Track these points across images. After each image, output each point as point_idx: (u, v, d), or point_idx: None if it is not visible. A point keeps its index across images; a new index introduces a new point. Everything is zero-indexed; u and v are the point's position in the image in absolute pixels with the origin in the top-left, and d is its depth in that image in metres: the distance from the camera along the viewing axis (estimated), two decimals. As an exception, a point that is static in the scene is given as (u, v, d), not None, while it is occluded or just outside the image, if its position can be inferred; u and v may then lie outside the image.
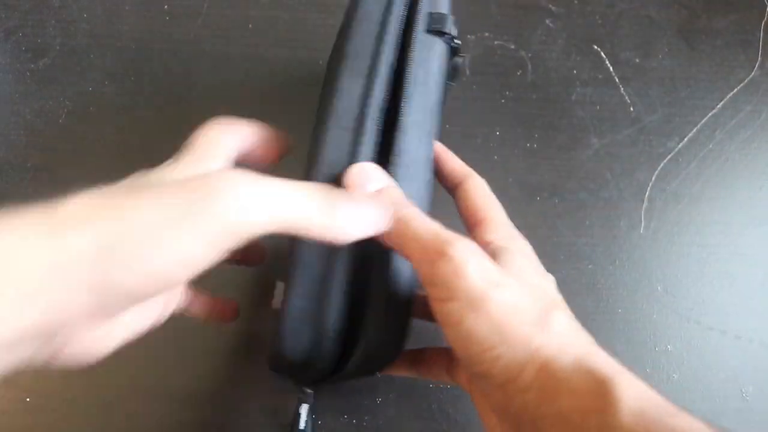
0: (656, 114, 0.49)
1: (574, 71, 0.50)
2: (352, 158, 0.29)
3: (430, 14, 0.34)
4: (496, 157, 0.47)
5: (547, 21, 0.52)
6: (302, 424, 0.35)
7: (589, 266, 0.43)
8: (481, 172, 0.46)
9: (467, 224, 0.32)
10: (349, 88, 0.31)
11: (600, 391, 0.23)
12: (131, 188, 0.23)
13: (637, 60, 0.51)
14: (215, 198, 0.21)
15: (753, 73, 0.50)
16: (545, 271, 0.30)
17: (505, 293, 0.25)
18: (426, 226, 0.26)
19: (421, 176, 0.32)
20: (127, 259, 0.20)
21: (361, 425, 0.39)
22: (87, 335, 0.24)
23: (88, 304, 0.21)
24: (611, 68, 0.50)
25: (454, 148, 0.47)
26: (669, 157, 0.47)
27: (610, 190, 0.46)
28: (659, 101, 0.49)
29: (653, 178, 0.47)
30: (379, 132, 0.31)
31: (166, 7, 0.51)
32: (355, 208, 0.25)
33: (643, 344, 0.42)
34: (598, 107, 0.49)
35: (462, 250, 0.25)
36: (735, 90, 0.50)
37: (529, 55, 0.51)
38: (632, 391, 0.23)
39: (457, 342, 0.26)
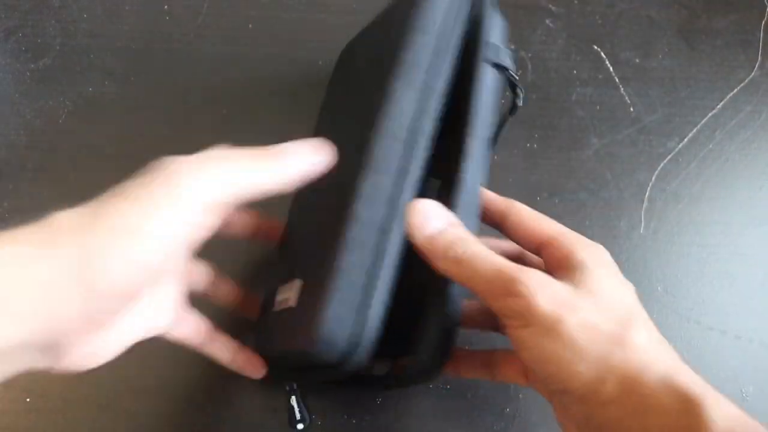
0: (656, 114, 0.49)
1: (574, 71, 0.50)
2: (402, 174, 0.28)
3: (489, 43, 0.33)
4: (496, 157, 0.47)
5: (547, 21, 0.52)
6: (298, 415, 0.37)
7: (589, 266, 0.43)
8: (481, 172, 0.46)
9: (531, 249, 0.31)
10: (404, 97, 0.29)
11: (689, 409, 0.23)
12: (101, 200, 0.24)
13: (637, 60, 0.51)
14: (173, 183, 0.24)
15: (753, 73, 0.50)
16: (624, 280, 0.29)
17: (579, 314, 0.25)
18: (490, 265, 0.27)
19: (476, 208, 0.31)
20: (108, 254, 0.22)
21: (361, 425, 0.39)
22: (85, 344, 0.24)
23: (81, 311, 0.22)
24: (611, 68, 0.50)
25: (454, 148, 0.47)
26: (669, 157, 0.47)
27: (610, 190, 0.46)
28: (659, 101, 0.49)
29: (653, 178, 0.47)
30: (428, 149, 0.29)
31: (166, 7, 0.51)
32: (293, 157, 0.27)
33: (643, 344, 0.42)
34: (598, 107, 0.49)
35: (529, 284, 0.26)
36: (735, 90, 0.50)
37: (529, 55, 0.51)
38: (722, 411, 0.23)
39: (534, 363, 0.26)
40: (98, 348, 0.26)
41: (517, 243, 0.32)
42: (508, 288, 0.26)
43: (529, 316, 0.25)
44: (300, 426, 0.38)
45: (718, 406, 0.23)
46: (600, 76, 0.50)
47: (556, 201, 0.46)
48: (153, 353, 0.40)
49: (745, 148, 0.48)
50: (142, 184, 0.24)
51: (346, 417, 0.39)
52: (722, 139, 0.48)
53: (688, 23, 0.52)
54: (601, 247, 0.30)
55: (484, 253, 0.27)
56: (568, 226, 0.45)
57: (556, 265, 0.29)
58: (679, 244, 0.45)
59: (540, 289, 0.26)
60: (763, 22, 0.52)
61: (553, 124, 0.48)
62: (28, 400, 0.39)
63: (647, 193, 0.46)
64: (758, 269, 0.44)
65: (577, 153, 0.47)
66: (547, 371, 0.26)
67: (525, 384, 0.33)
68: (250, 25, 0.50)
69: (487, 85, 0.32)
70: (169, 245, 0.24)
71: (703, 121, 0.49)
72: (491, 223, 0.33)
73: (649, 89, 0.50)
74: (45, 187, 0.45)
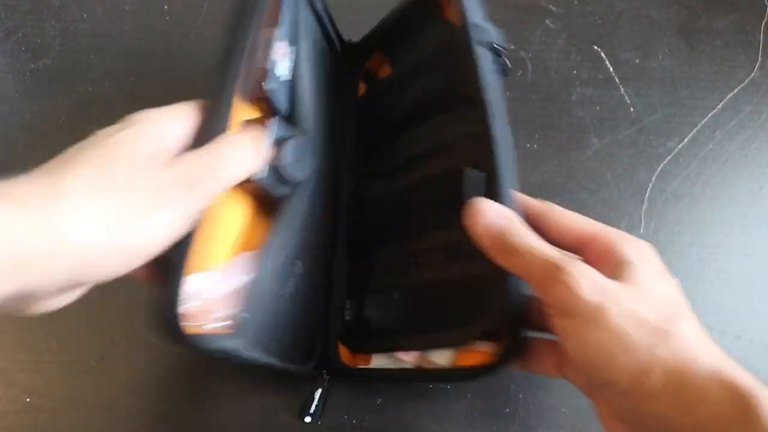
0: (656, 114, 0.49)
1: (574, 71, 0.50)
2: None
3: (476, 25, 0.34)
4: (496, 157, 0.47)
5: (547, 21, 0.52)
6: (313, 408, 0.37)
7: (589, 266, 0.43)
8: (481, 172, 0.46)
9: (572, 249, 0.31)
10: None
11: (741, 403, 0.23)
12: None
13: (637, 60, 0.51)
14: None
15: (753, 74, 0.50)
16: (669, 276, 0.29)
17: (623, 304, 0.25)
18: (538, 254, 0.27)
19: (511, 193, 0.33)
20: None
21: (361, 425, 0.39)
22: (60, 297, 0.25)
23: (63, 283, 0.23)
24: (611, 68, 0.50)
25: (454, 148, 0.47)
26: (669, 157, 0.47)
27: (610, 190, 0.46)
28: (659, 101, 0.49)
29: (653, 179, 0.47)
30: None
31: (166, 7, 0.51)
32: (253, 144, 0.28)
33: (643, 344, 0.42)
34: (598, 107, 0.49)
35: (573, 273, 0.26)
36: (735, 90, 0.50)
37: (529, 55, 0.51)
38: None
39: (578, 354, 0.26)
40: (62, 299, 0.26)
41: (558, 245, 0.32)
42: (555, 276, 0.26)
43: (573, 305, 0.26)
44: (308, 419, 0.37)
45: None
46: (600, 76, 0.50)
47: (556, 201, 0.45)
48: (153, 353, 0.40)
49: (745, 148, 0.48)
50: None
51: (346, 417, 0.39)
52: (722, 139, 0.48)
53: (688, 23, 0.53)
54: (645, 243, 0.30)
55: (535, 243, 0.28)
56: (568, 226, 0.45)
57: (600, 261, 0.29)
58: (679, 244, 0.45)
59: (584, 278, 0.26)
60: (763, 22, 0.52)
61: (553, 124, 0.48)
62: (28, 400, 0.39)
63: (647, 193, 0.46)
64: (758, 269, 0.44)
65: (577, 153, 0.47)
66: (590, 362, 0.26)
67: (557, 375, 0.32)
68: (250, 25, 0.50)
69: (491, 68, 0.33)
70: (160, 240, 0.24)
71: (703, 122, 0.49)
72: (531, 227, 0.33)
73: (649, 89, 0.50)
74: (45, 187, 0.45)
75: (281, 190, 0.30)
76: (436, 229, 0.36)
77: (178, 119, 0.27)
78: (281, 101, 0.32)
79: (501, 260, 0.29)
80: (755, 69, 0.51)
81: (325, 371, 0.38)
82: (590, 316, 0.25)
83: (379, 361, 0.38)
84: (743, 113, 0.49)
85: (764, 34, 0.52)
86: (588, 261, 0.29)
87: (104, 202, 0.22)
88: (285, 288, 0.33)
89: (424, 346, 0.35)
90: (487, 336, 0.33)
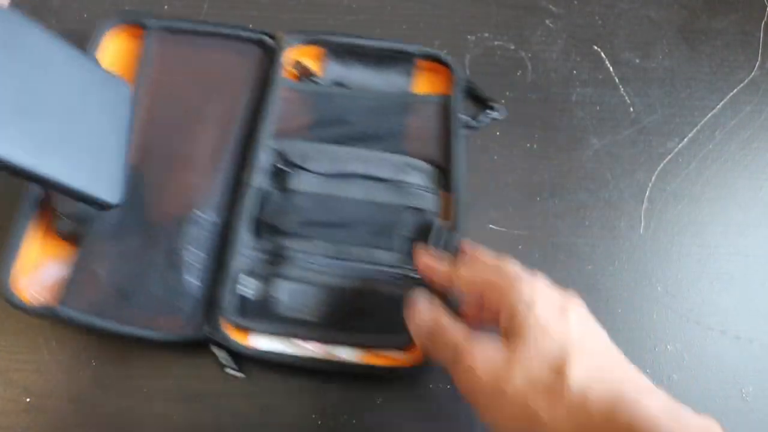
0: (656, 114, 0.49)
1: (574, 71, 0.50)
2: None
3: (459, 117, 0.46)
4: (496, 157, 0.47)
5: (547, 21, 0.52)
6: (224, 361, 0.39)
7: (589, 267, 0.43)
8: (482, 172, 0.46)
9: (477, 302, 0.34)
10: None
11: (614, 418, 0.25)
12: None
13: (637, 60, 0.51)
14: None
15: (753, 73, 0.51)
16: (563, 301, 0.31)
17: (514, 382, 0.28)
18: (448, 341, 0.31)
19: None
20: None
21: (362, 425, 0.39)
22: None
23: None
24: (611, 68, 0.50)
25: (454, 149, 0.47)
26: (669, 157, 0.47)
27: (610, 190, 0.46)
28: (659, 102, 0.49)
29: (653, 179, 0.47)
30: None
31: (166, 7, 0.51)
32: None
33: (643, 344, 0.42)
34: (598, 107, 0.49)
35: (467, 360, 0.30)
36: (735, 90, 0.50)
37: (529, 55, 0.51)
38: None
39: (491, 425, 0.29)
40: None
41: (467, 301, 0.35)
42: (456, 362, 0.30)
43: (472, 390, 0.29)
44: (234, 373, 0.39)
45: None
46: (600, 76, 0.50)
47: (556, 201, 0.46)
48: (152, 354, 0.40)
49: (745, 148, 0.48)
50: None
51: (346, 417, 0.39)
52: (722, 140, 0.48)
53: (688, 23, 0.53)
54: (535, 279, 0.32)
55: (449, 335, 0.32)
56: (568, 226, 0.45)
57: (496, 312, 0.31)
58: (679, 245, 0.45)
59: (480, 363, 0.29)
60: (763, 22, 0.52)
61: (553, 124, 0.48)
62: (28, 400, 0.39)
63: (647, 194, 0.46)
64: (758, 269, 0.44)
65: (577, 153, 0.47)
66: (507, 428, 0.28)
67: None
68: (250, 26, 0.50)
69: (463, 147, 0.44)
70: None
71: (703, 121, 0.49)
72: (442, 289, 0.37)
73: (649, 89, 0.50)
74: (45, 187, 0.45)
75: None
76: (378, 248, 0.41)
77: None
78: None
79: (426, 353, 0.34)
80: (755, 69, 0.51)
81: (212, 344, 0.39)
82: (490, 399, 0.29)
83: (273, 345, 0.39)
84: (743, 113, 0.49)
85: (764, 34, 0.52)
86: (487, 314, 0.32)
87: None
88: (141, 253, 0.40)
89: (336, 342, 0.39)
90: (400, 347, 0.39)
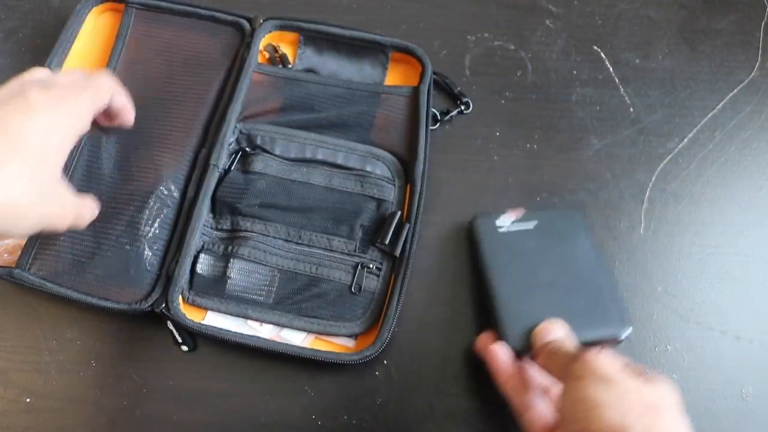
0: (656, 114, 0.49)
1: (574, 71, 0.50)
2: None
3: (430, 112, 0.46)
4: (496, 157, 0.47)
5: (547, 21, 0.52)
6: (179, 339, 0.40)
7: (589, 266, 0.43)
8: (481, 172, 0.46)
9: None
10: None
11: None
12: None
13: (637, 60, 0.51)
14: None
15: (753, 74, 0.51)
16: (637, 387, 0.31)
17: (628, 382, 0.30)
18: (561, 356, 0.34)
19: None
20: None
21: (361, 425, 0.39)
22: None
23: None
24: (611, 68, 0.50)
25: (455, 149, 0.47)
26: (669, 157, 0.47)
27: (610, 191, 0.46)
28: (659, 102, 0.49)
29: (653, 179, 0.47)
30: None
31: None
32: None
33: (643, 344, 0.42)
34: (598, 108, 0.49)
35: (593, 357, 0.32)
36: (735, 90, 0.50)
37: (529, 55, 0.51)
38: None
39: (572, 405, 0.31)
40: None
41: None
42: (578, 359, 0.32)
43: (588, 371, 0.31)
44: (185, 348, 0.40)
45: None
46: (600, 77, 0.50)
47: (556, 201, 0.46)
48: (152, 354, 0.40)
49: (745, 149, 0.48)
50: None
51: (346, 417, 0.39)
52: (722, 140, 0.48)
53: (688, 23, 0.53)
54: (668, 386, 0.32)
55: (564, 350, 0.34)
56: (568, 227, 0.44)
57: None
58: (679, 245, 0.45)
59: (603, 358, 0.31)
60: (763, 22, 0.52)
61: (553, 124, 0.48)
62: (28, 400, 0.39)
63: (647, 194, 0.46)
64: (758, 269, 0.44)
65: (577, 153, 0.47)
66: (581, 412, 0.30)
67: None
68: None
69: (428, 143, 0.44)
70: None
71: (703, 122, 0.49)
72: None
73: (649, 90, 0.50)
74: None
75: None
76: (335, 235, 0.42)
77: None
78: None
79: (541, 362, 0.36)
80: (755, 69, 0.51)
81: (164, 317, 0.39)
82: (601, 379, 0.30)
83: (225, 323, 0.40)
84: (743, 113, 0.49)
85: (764, 34, 0.52)
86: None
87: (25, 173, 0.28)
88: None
89: (288, 326, 0.40)
90: (353, 336, 0.40)
